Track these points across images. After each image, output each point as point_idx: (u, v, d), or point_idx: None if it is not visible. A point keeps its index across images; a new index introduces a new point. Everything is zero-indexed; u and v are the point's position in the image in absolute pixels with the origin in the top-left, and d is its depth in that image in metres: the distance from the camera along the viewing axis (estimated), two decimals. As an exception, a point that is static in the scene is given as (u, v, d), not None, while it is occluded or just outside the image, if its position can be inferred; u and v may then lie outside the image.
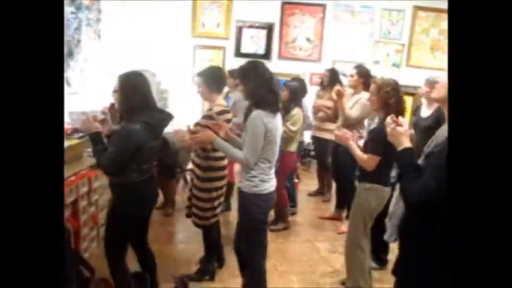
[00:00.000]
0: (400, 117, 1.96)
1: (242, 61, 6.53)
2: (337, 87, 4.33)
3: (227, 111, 3.18)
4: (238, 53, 6.85)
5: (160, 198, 4.93)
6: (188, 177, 5.79)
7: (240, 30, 6.80)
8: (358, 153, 2.97)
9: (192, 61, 6.82)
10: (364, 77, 4.38)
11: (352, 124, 4.29)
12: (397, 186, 2.12)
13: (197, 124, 3.17)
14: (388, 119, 1.98)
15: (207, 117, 3.10)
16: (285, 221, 4.47)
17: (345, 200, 4.67)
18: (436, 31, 6.89)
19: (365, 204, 2.98)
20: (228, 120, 3.16)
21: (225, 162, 3.25)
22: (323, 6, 6.78)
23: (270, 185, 2.65)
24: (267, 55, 6.89)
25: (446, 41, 6.82)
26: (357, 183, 3.17)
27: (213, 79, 3.15)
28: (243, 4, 6.70)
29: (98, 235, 3.72)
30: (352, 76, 4.41)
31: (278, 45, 6.92)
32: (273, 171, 2.68)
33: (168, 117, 2.73)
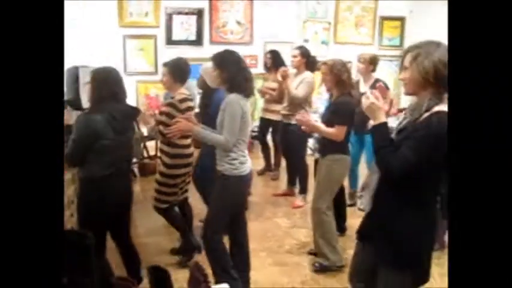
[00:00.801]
0: (375, 92, 2.03)
1: (174, 49, 6.57)
2: (283, 68, 4.50)
3: (190, 99, 3.25)
4: (170, 41, 6.73)
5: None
6: (136, 171, 5.71)
7: (170, 17, 6.68)
8: (325, 129, 3.16)
9: (121, 51, 6.62)
10: (306, 57, 4.56)
11: (299, 103, 4.47)
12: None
13: (161, 112, 3.20)
14: (368, 93, 2.05)
15: (170, 105, 3.15)
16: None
17: (298, 176, 4.88)
18: (359, 8, 7.27)
19: (333, 174, 3.20)
20: (191, 108, 3.22)
21: (191, 150, 3.34)
22: (251, -12, 6.85)
23: (248, 166, 2.77)
24: (198, 41, 6.85)
25: (369, 17, 7.24)
26: (315, 156, 3.38)
27: (178, 69, 3.29)
28: (171, -10, 6.59)
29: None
30: (295, 57, 4.57)
31: (209, 30, 6.89)
32: (247, 151, 2.79)
33: (135, 111, 2.73)
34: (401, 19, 7.46)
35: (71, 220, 3.82)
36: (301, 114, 3.29)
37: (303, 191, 4.78)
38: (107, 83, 2.56)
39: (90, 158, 2.50)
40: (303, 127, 3.30)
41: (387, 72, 6.94)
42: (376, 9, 7.33)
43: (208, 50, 6.75)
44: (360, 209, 2.46)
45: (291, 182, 5.07)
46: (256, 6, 6.93)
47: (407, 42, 7.58)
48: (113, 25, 6.53)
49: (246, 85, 2.71)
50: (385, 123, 1.88)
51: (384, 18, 7.39)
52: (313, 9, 7.12)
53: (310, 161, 4.79)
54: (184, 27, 6.78)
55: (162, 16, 6.67)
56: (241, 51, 6.74)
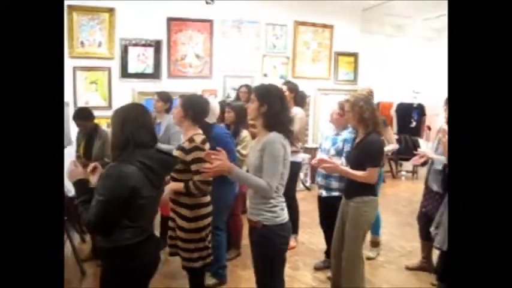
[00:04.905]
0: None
1: (129, 82, 6.14)
2: None
3: (207, 141, 2.90)
4: (125, 74, 6.29)
5: (88, 246, 4.30)
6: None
7: (125, 48, 6.25)
8: (354, 172, 2.97)
9: (72, 84, 6.03)
10: (294, 92, 4.43)
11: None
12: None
13: (184, 161, 2.78)
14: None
15: (197, 148, 2.76)
16: (238, 247, 4.24)
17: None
18: (316, 44, 7.39)
19: (364, 216, 3.00)
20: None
21: (209, 197, 2.96)
22: (210, 22, 6.66)
23: (286, 212, 2.52)
24: (155, 74, 6.48)
25: (325, 53, 7.38)
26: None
27: (194, 106, 2.85)
28: (126, 20, 6.18)
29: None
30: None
31: (167, 64, 6.55)
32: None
33: (172, 160, 2.32)
34: (355, 55, 7.72)
35: None
36: (323, 160, 3.03)
37: (295, 230, 4.55)
38: (132, 124, 2.08)
39: (121, 223, 2.03)
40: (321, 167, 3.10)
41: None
42: (331, 46, 7.51)
43: (166, 83, 6.42)
44: (436, 248, 2.35)
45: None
46: (216, 39, 6.75)
47: (361, 77, 7.85)
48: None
49: (289, 125, 2.48)
50: None
51: (339, 54, 7.58)
52: (272, 44, 7.10)
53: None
54: (140, 60, 6.39)
55: (117, 47, 6.23)
56: (201, 85, 6.63)
